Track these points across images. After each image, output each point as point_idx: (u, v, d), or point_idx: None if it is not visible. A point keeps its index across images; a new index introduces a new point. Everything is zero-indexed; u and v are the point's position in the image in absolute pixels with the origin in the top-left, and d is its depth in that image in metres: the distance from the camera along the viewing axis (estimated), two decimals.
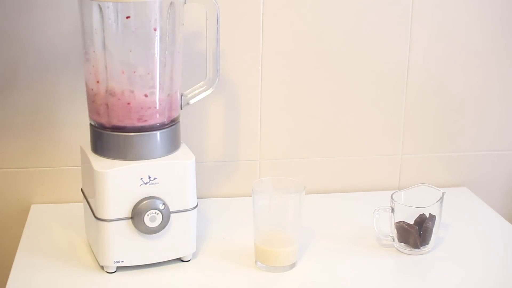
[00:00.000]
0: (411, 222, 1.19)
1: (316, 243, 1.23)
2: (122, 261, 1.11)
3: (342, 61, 1.38)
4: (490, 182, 1.50)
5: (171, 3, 1.09)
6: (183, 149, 1.16)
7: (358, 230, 1.27)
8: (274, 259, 1.13)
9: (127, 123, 1.10)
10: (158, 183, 1.10)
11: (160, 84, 1.10)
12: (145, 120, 1.11)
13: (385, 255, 1.20)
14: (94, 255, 1.16)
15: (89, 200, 1.14)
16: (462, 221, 1.33)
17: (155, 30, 1.08)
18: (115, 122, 1.11)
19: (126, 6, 1.06)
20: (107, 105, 1.10)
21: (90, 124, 1.14)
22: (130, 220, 1.09)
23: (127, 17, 1.07)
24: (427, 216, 1.19)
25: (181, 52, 1.14)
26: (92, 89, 1.12)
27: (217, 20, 1.14)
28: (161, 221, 1.10)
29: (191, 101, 1.18)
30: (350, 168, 1.45)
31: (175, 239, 1.13)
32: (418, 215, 1.20)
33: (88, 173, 1.12)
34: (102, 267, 1.13)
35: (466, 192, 1.46)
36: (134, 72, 1.08)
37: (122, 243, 1.10)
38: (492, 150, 1.48)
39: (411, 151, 1.46)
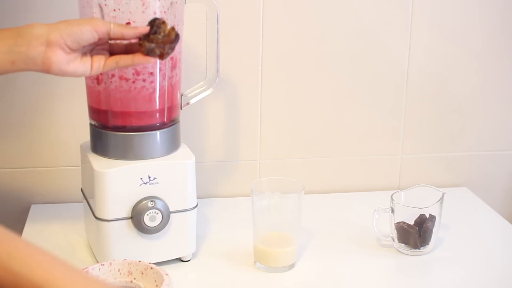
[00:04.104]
0: (411, 222, 1.19)
1: (316, 243, 1.23)
2: None
3: (342, 61, 1.38)
4: (490, 182, 1.50)
5: (171, 3, 1.09)
6: (183, 149, 1.16)
7: (358, 230, 1.27)
8: (273, 259, 1.13)
9: (127, 122, 1.11)
10: (158, 183, 1.10)
11: (160, 83, 1.10)
12: (145, 120, 1.11)
13: (385, 256, 1.20)
14: (94, 255, 1.16)
15: (89, 200, 1.14)
16: (462, 221, 1.33)
17: None
18: (115, 121, 1.11)
19: (126, 6, 1.06)
20: (107, 104, 1.10)
21: (90, 124, 1.14)
22: (130, 220, 1.09)
23: (128, 18, 1.07)
24: (427, 216, 1.19)
25: (181, 52, 1.14)
26: (92, 89, 1.12)
27: (217, 20, 1.14)
28: (161, 221, 1.10)
29: (191, 101, 1.18)
30: (350, 168, 1.45)
31: (175, 239, 1.13)
32: (418, 215, 1.20)
33: (88, 173, 1.12)
34: None
35: (466, 192, 1.46)
36: (134, 72, 1.08)
37: (122, 243, 1.10)
38: (492, 150, 1.48)
39: (411, 151, 1.46)
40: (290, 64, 1.37)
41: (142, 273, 1.02)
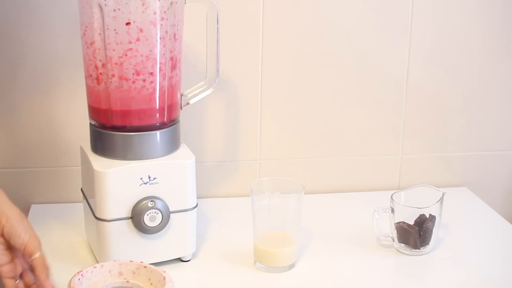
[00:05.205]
0: (411, 222, 1.19)
1: (316, 243, 1.23)
2: None
3: (342, 61, 1.38)
4: (490, 182, 1.50)
5: (171, 3, 1.09)
6: (183, 149, 1.16)
7: (358, 230, 1.27)
8: (273, 259, 1.13)
9: (127, 122, 1.11)
10: (158, 183, 1.10)
11: (160, 83, 1.10)
12: (145, 120, 1.11)
13: (385, 256, 1.20)
14: (94, 255, 1.16)
15: (89, 200, 1.14)
16: (462, 221, 1.33)
17: (155, 30, 1.08)
18: (115, 121, 1.11)
19: (126, 6, 1.06)
20: (107, 104, 1.10)
21: (90, 124, 1.14)
22: (130, 220, 1.09)
23: (127, 18, 1.07)
24: (427, 216, 1.19)
25: (181, 52, 1.14)
26: (92, 89, 1.12)
27: (217, 20, 1.14)
28: (161, 221, 1.10)
29: (191, 101, 1.18)
30: (350, 168, 1.45)
31: (175, 239, 1.13)
32: (418, 215, 1.20)
33: (88, 173, 1.12)
34: None
35: (466, 192, 1.46)
36: (134, 72, 1.08)
37: (122, 243, 1.10)
38: (492, 150, 1.48)
39: (411, 151, 1.46)
40: (290, 64, 1.37)
41: (134, 273, 1.02)
